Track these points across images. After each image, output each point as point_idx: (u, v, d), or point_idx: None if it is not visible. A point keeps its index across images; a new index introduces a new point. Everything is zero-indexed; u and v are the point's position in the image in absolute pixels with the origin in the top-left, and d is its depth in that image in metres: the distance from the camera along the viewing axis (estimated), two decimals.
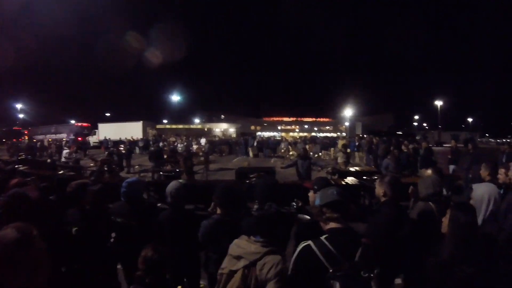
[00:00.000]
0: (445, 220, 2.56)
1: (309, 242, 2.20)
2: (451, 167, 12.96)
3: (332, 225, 2.27)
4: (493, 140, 79.05)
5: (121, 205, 3.96)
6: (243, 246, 2.40)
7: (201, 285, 4.01)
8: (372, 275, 1.99)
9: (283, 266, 2.23)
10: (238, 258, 2.36)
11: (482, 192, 3.46)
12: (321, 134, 55.65)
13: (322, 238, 2.20)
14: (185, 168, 10.49)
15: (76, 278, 3.34)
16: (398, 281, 3.81)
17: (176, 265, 3.66)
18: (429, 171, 4.65)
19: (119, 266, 3.92)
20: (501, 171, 5.12)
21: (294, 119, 72.00)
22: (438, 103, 58.84)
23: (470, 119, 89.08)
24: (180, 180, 4.13)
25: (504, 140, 50.63)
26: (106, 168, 10.21)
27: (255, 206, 3.61)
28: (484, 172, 5.26)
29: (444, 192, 4.21)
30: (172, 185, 3.84)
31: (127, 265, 3.70)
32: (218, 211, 3.36)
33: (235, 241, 2.51)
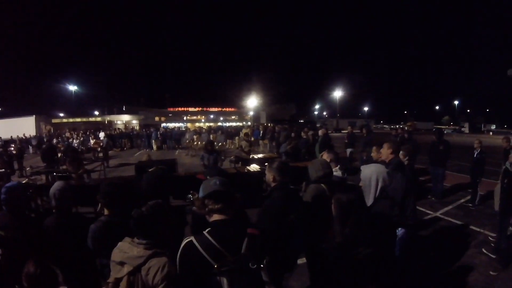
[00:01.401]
0: (334, 203, 2.67)
1: (191, 238, 2.07)
2: (348, 150, 14.15)
3: (215, 217, 2.16)
4: (387, 126, 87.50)
5: (2, 215, 3.43)
6: (125, 250, 2.24)
7: None
8: (262, 265, 1.98)
9: (170, 269, 2.12)
10: (122, 264, 2.21)
11: (370, 172, 3.59)
12: (227, 124, 56.09)
13: (205, 232, 2.08)
14: (71, 170, 9.83)
15: None
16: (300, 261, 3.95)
17: (70, 278, 3.37)
18: (325, 154, 4.83)
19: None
20: (373, 149, 5.76)
21: (200, 109, 71.48)
22: (337, 93, 63.10)
23: (366, 108, 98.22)
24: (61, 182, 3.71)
25: (397, 126, 55.75)
26: None
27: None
28: (375, 154, 5.79)
29: (340, 173, 4.51)
30: (56, 186, 3.51)
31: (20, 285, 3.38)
32: (106, 212, 3.11)
33: (118, 244, 2.34)
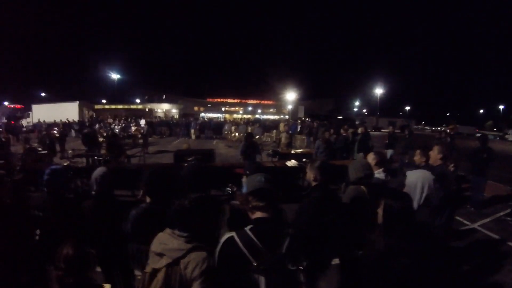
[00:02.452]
0: (380, 211, 2.50)
1: (233, 233, 2.09)
2: (389, 151, 13.44)
3: (258, 214, 2.16)
4: (428, 128, 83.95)
5: (42, 196, 3.55)
6: (165, 242, 2.23)
7: (138, 277, 3.82)
8: (300, 267, 1.94)
9: (209, 264, 2.08)
10: (160, 255, 2.19)
11: (416, 178, 3.45)
12: (265, 116, 56.05)
13: (247, 228, 2.08)
14: (110, 152, 10.07)
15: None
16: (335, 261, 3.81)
17: (105, 260, 3.50)
18: (371, 155, 4.62)
19: None
20: (417, 152, 5.37)
21: (238, 100, 71.65)
22: (378, 91, 61.48)
23: (407, 108, 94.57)
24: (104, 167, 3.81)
25: (439, 128, 53.55)
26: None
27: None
28: (418, 158, 5.37)
29: (383, 176, 4.30)
30: (98, 171, 3.62)
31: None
32: (147, 199, 3.14)
33: (158, 235, 2.34)
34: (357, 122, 38.74)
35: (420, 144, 6.14)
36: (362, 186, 3.55)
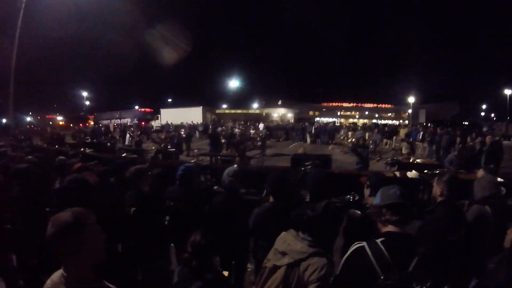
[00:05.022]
0: (510, 234, 2.28)
1: (364, 243, 2.07)
2: None
3: (390, 228, 2.12)
4: None
5: (175, 189, 4.06)
6: (289, 242, 2.33)
7: (249, 269, 4.04)
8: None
9: (327, 271, 2.15)
10: (283, 254, 2.31)
11: None
12: (382, 121, 53.76)
13: (378, 241, 2.05)
14: (237, 153, 10.65)
15: (132, 255, 3.53)
16: None
17: (225, 248, 3.79)
18: (481, 172, 4.24)
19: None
20: None
21: (354, 104, 69.63)
22: (508, 92, 53.88)
23: None
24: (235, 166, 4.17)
25: None
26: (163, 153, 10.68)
27: (308, 197, 3.54)
28: None
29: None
30: (230, 170, 3.92)
31: (179, 247, 3.78)
32: (270, 199, 3.33)
33: (282, 234, 2.45)
34: (484, 129, 34.90)
35: None
36: (487, 206, 3.21)
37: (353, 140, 18.93)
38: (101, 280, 1.74)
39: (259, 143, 19.85)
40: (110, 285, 1.77)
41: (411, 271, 1.91)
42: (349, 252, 2.10)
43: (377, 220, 2.21)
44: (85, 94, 60.68)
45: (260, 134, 22.91)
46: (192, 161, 10.36)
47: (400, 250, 1.99)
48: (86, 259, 1.62)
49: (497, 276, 2.17)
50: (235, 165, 4.22)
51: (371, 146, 16.72)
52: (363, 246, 2.04)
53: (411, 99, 52.05)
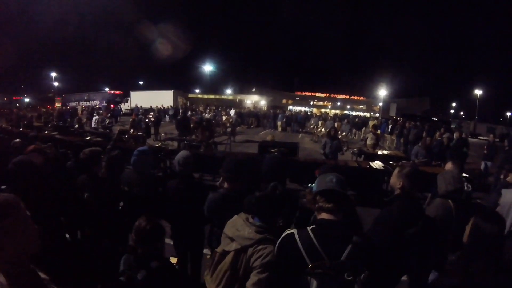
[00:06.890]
0: (468, 229, 2.24)
1: (293, 230, 2.05)
2: (488, 163, 11.64)
3: (323, 215, 2.06)
4: None
5: (129, 173, 3.96)
6: (237, 227, 2.34)
7: (208, 256, 4.00)
8: (357, 278, 1.83)
9: (271, 259, 2.13)
10: (232, 239, 2.31)
11: (511, 199, 3.06)
12: (354, 113, 54.39)
13: (309, 228, 2.02)
14: (202, 138, 10.59)
15: (87, 243, 3.43)
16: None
17: (179, 236, 3.79)
18: (450, 165, 4.24)
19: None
20: None
21: (327, 95, 70.15)
22: (478, 92, 55.47)
23: (508, 113, 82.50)
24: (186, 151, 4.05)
25: None
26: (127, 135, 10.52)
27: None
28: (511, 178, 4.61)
29: (466, 187, 3.88)
30: (181, 154, 3.81)
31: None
32: (226, 185, 3.26)
33: (234, 218, 2.45)
34: (452, 126, 35.90)
35: None
36: (450, 201, 3.24)
37: (324, 129, 19.14)
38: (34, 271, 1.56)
39: (229, 129, 19.77)
40: (43, 275, 1.63)
41: (343, 260, 1.87)
42: (280, 239, 2.09)
43: (312, 208, 2.19)
44: (53, 74, 58.98)
45: (231, 120, 22.82)
46: (157, 145, 10.24)
47: (332, 239, 1.96)
48: (12, 251, 1.44)
49: (456, 270, 2.15)
50: (186, 150, 4.06)
51: (340, 136, 16.89)
52: (292, 233, 2.02)
53: (383, 92, 52.79)
